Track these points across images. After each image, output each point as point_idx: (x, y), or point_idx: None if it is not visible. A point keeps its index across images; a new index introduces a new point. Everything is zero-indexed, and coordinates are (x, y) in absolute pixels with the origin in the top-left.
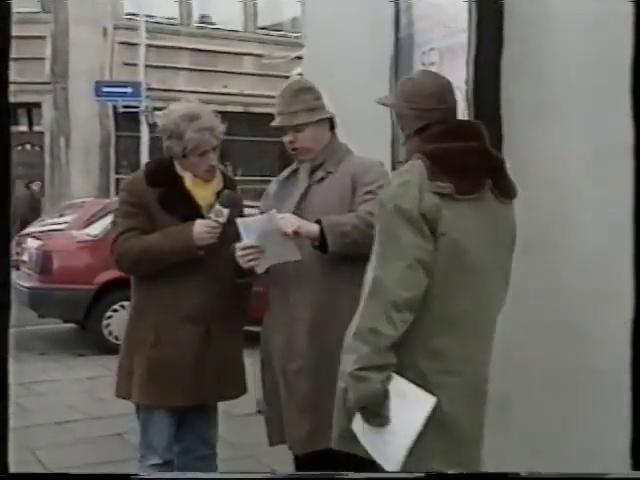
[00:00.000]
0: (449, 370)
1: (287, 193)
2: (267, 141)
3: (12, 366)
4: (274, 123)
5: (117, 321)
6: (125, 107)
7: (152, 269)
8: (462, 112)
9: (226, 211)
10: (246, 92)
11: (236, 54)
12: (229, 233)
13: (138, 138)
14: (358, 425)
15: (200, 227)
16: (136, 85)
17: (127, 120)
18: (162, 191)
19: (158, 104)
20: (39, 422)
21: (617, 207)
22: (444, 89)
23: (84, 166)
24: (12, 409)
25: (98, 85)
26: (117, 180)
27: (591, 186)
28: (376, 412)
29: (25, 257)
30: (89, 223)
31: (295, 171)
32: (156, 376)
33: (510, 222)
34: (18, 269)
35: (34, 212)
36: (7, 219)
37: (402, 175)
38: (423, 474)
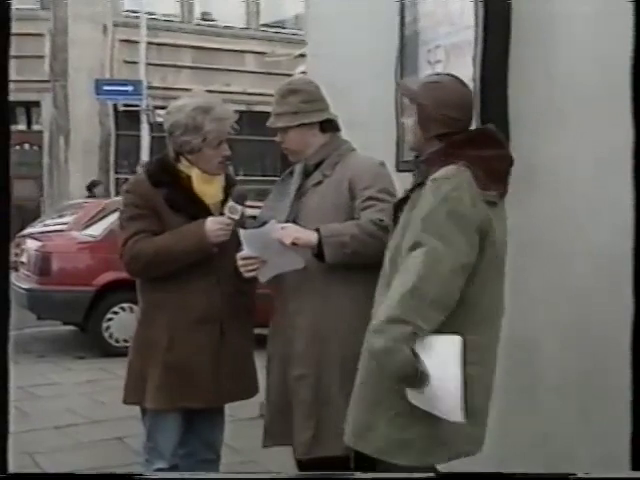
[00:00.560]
0: (475, 362)
1: (279, 196)
2: (269, 140)
3: (10, 369)
4: (267, 123)
5: (117, 323)
6: (125, 106)
7: (166, 270)
8: None
9: (240, 207)
10: (248, 90)
11: (238, 52)
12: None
13: (139, 137)
14: (412, 397)
15: (213, 224)
16: (137, 83)
17: (127, 119)
18: (168, 191)
19: (159, 103)
20: (38, 426)
21: (625, 209)
22: (471, 100)
23: (84, 166)
24: (10, 413)
25: (98, 83)
26: (117, 180)
27: (599, 187)
28: (414, 374)
29: (24, 258)
30: (89, 224)
31: (292, 172)
32: (172, 380)
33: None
34: (17, 270)
35: None
36: (7, 220)
37: (451, 180)
38: (430, 474)
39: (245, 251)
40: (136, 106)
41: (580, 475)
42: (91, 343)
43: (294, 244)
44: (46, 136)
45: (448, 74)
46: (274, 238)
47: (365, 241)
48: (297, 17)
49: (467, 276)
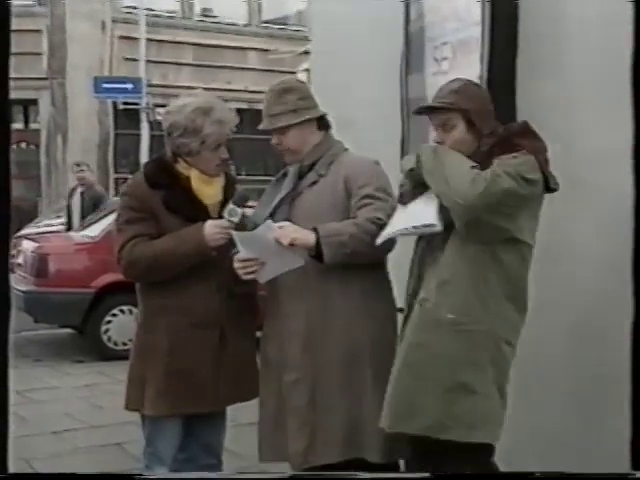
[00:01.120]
0: (512, 343)
1: (271, 198)
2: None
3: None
4: (259, 126)
5: (116, 326)
6: (125, 104)
7: (165, 275)
8: None
9: (240, 210)
10: (250, 88)
11: (240, 49)
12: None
13: (138, 136)
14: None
15: (212, 228)
16: (136, 81)
17: (127, 117)
18: (166, 192)
19: (159, 101)
20: (35, 432)
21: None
22: None
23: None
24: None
25: (97, 81)
26: (116, 179)
27: (609, 184)
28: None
29: (21, 260)
30: (87, 224)
31: (285, 174)
32: (173, 385)
33: None
34: (13, 272)
35: None
36: (7, 221)
37: (522, 159)
38: (427, 474)
39: (242, 253)
40: (136, 104)
41: (581, 473)
42: (89, 346)
43: (292, 244)
44: (44, 135)
45: (462, 78)
46: (270, 238)
47: (364, 240)
48: (300, 13)
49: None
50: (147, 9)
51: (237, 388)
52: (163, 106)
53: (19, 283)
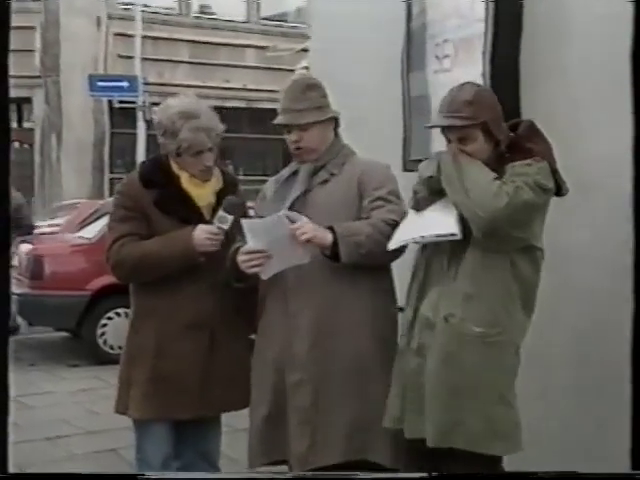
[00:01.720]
0: (519, 345)
1: (285, 195)
2: (270, 138)
3: None
4: (278, 121)
5: (112, 329)
6: (121, 102)
7: (151, 276)
8: None
9: (230, 218)
10: (248, 86)
11: (238, 46)
12: (232, 239)
13: (134, 135)
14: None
15: (201, 233)
16: (132, 79)
17: (123, 116)
18: (158, 192)
19: (155, 99)
20: (29, 438)
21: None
22: None
23: (77, 165)
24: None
25: (92, 79)
26: (112, 180)
27: (615, 185)
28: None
29: (15, 262)
30: (82, 225)
31: (295, 172)
32: (159, 388)
33: None
34: None
35: None
36: (7, 222)
37: (533, 166)
38: (427, 474)
39: (249, 244)
40: (132, 103)
41: (582, 473)
42: (85, 350)
43: (308, 241)
44: (37, 134)
45: (468, 83)
46: (282, 231)
47: (379, 241)
48: (299, 10)
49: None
50: (143, 5)
51: (228, 395)
52: (159, 104)
53: (13, 286)
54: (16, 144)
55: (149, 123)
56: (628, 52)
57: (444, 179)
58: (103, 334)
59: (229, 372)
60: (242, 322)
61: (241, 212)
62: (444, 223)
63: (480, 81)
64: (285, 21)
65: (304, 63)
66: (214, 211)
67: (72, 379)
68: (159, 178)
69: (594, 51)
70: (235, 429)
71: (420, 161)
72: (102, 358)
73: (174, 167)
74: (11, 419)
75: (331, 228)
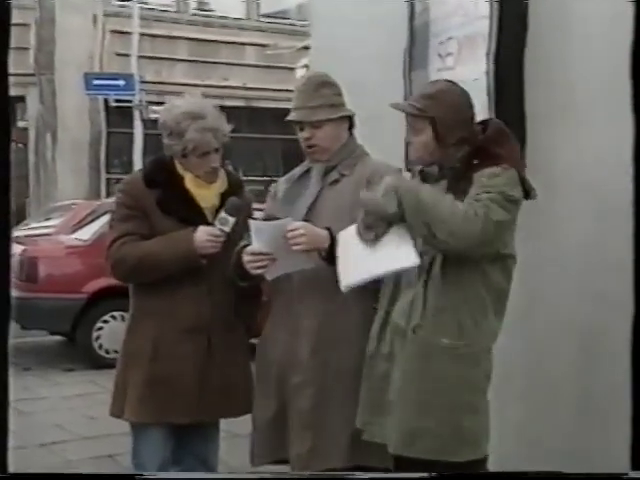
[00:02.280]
0: (491, 348)
1: (297, 196)
2: (270, 138)
3: None
4: (291, 117)
5: (108, 333)
6: (117, 101)
7: (151, 277)
8: (483, 107)
9: (232, 220)
10: (248, 85)
11: (237, 44)
12: (234, 241)
13: (131, 135)
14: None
15: (203, 235)
16: (129, 77)
17: (119, 115)
18: (161, 192)
19: (153, 98)
20: (23, 444)
21: None
22: (470, 97)
23: (72, 165)
24: None
25: (87, 77)
26: (108, 180)
27: (617, 184)
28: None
29: None
30: (78, 227)
31: (307, 171)
32: (154, 391)
33: None
34: None
35: None
36: (6, 223)
37: (501, 176)
38: (427, 474)
39: (253, 246)
40: (128, 102)
41: (574, 473)
42: (80, 354)
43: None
44: (32, 133)
45: (448, 80)
46: (284, 235)
47: None
48: (300, 7)
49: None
50: (140, 2)
51: (225, 401)
52: (157, 103)
53: None
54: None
55: (146, 122)
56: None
57: (408, 215)
58: (98, 338)
59: (227, 377)
60: (242, 326)
61: (243, 214)
62: (403, 254)
63: (484, 79)
64: (286, 18)
65: (305, 61)
66: (217, 213)
67: (67, 384)
68: (162, 178)
69: (598, 50)
70: (234, 435)
71: None
72: (98, 362)
73: (179, 168)
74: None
75: (330, 231)
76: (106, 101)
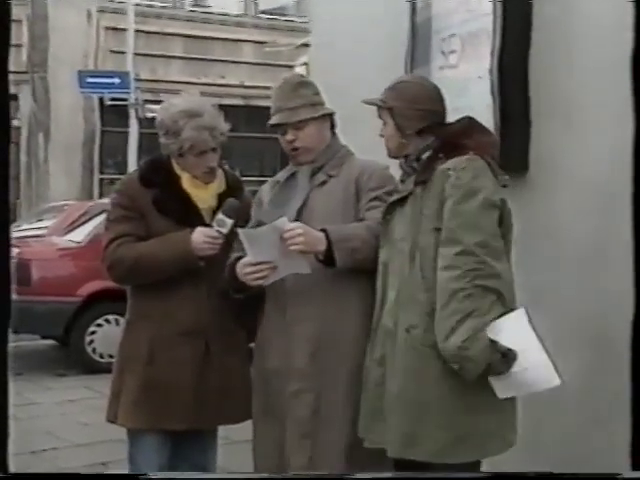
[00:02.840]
0: None
1: (285, 199)
2: (268, 137)
3: None
4: (272, 121)
5: (102, 337)
6: (112, 99)
7: (148, 279)
8: (486, 106)
9: (230, 222)
10: (246, 83)
11: (234, 41)
12: (232, 243)
13: (126, 134)
14: (498, 388)
15: (200, 236)
16: (124, 75)
17: (114, 114)
18: (158, 193)
19: (148, 96)
20: (13, 451)
21: None
22: (440, 93)
23: (65, 165)
24: None
25: (81, 75)
26: (102, 181)
27: (622, 184)
28: (499, 358)
29: None
30: (71, 228)
31: (293, 174)
32: (150, 397)
33: None
34: None
35: None
36: (6, 224)
37: (467, 168)
38: (428, 475)
39: (249, 255)
40: (123, 100)
41: (568, 473)
42: (73, 359)
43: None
44: (24, 132)
45: (416, 74)
46: (278, 239)
47: (376, 246)
48: (299, 3)
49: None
50: None
51: (223, 407)
52: (152, 102)
53: None
54: None
55: (141, 121)
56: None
57: None
58: (92, 342)
59: (226, 382)
60: (241, 330)
61: (242, 216)
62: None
63: (487, 78)
64: (284, 14)
65: (304, 59)
66: (215, 214)
67: (59, 389)
68: (159, 178)
69: (603, 49)
70: (232, 441)
71: None
72: (91, 367)
73: (176, 168)
74: None
75: (326, 232)
76: (101, 99)
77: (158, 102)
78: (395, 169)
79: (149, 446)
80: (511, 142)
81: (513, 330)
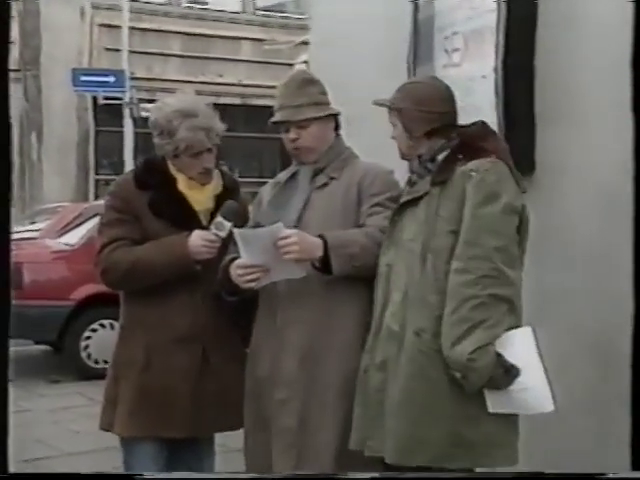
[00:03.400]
0: None
1: (285, 201)
2: (268, 137)
3: None
4: (275, 118)
5: (97, 342)
6: (106, 99)
7: (143, 284)
8: (490, 105)
9: (228, 225)
10: (244, 82)
11: (232, 39)
12: (230, 246)
13: (121, 134)
14: (491, 401)
15: (197, 240)
16: (119, 73)
17: (108, 113)
18: (153, 194)
19: (144, 95)
20: None
21: None
22: (451, 93)
23: (59, 166)
24: None
25: (75, 73)
26: (97, 182)
27: (628, 185)
28: (502, 373)
29: None
30: (65, 231)
31: (293, 175)
32: (146, 404)
33: None
34: None
35: None
36: (6, 224)
37: (490, 171)
38: (425, 475)
39: (243, 258)
40: (118, 99)
41: (551, 472)
42: (67, 365)
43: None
44: (16, 132)
45: (428, 75)
46: (275, 243)
47: (375, 253)
48: (298, 0)
49: None
50: None
51: (221, 414)
52: (148, 101)
53: None
54: None
55: (137, 121)
56: None
57: None
58: (87, 347)
59: (223, 389)
60: (238, 336)
61: (240, 218)
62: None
63: (492, 76)
64: (283, 12)
65: (304, 57)
66: (212, 216)
67: (52, 396)
68: (154, 179)
69: (609, 49)
70: (229, 449)
71: None
72: (86, 373)
73: (171, 169)
74: None
75: (323, 238)
76: (95, 98)
77: (154, 101)
78: (400, 173)
79: (145, 454)
80: (516, 143)
81: (518, 347)
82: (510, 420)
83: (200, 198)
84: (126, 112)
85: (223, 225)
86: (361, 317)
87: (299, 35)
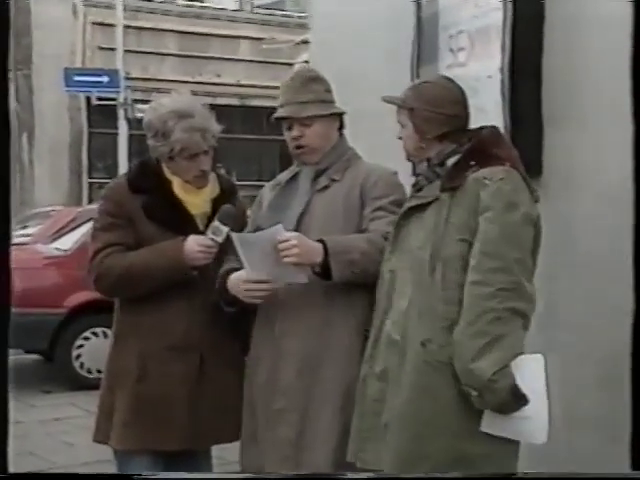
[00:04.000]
0: None
1: (285, 203)
2: (267, 139)
3: None
4: (278, 114)
5: (90, 351)
6: (100, 99)
7: (137, 291)
8: (496, 105)
9: (226, 229)
10: (242, 82)
11: (230, 37)
12: (228, 252)
13: (115, 136)
14: (486, 420)
15: (193, 245)
16: (113, 73)
17: (102, 114)
18: (147, 198)
19: (139, 96)
20: None
21: None
22: (465, 96)
23: (51, 168)
24: None
25: (68, 73)
26: (90, 185)
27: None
28: (516, 400)
29: None
30: (58, 236)
31: (294, 176)
32: (141, 416)
33: None
34: None
35: None
36: (6, 224)
37: (506, 180)
38: (423, 474)
39: (245, 270)
40: (112, 99)
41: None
42: (59, 374)
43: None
44: None
45: (441, 75)
46: (274, 247)
47: (376, 259)
48: None
49: None
50: None
51: (218, 424)
52: (143, 101)
53: None
54: None
55: (132, 122)
56: None
57: None
58: (79, 356)
59: (221, 399)
60: (236, 345)
61: (238, 223)
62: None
63: (498, 76)
64: (283, 10)
65: (304, 56)
66: (209, 221)
67: (44, 407)
68: (148, 183)
69: (618, 50)
70: (226, 462)
71: None
72: (78, 383)
73: (166, 172)
74: None
75: (323, 243)
76: (88, 99)
77: (149, 102)
78: (404, 176)
79: (140, 468)
80: (523, 145)
81: (528, 374)
82: (512, 439)
83: (196, 202)
84: (120, 113)
85: (220, 230)
86: (360, 327)
87: (299, 34)
